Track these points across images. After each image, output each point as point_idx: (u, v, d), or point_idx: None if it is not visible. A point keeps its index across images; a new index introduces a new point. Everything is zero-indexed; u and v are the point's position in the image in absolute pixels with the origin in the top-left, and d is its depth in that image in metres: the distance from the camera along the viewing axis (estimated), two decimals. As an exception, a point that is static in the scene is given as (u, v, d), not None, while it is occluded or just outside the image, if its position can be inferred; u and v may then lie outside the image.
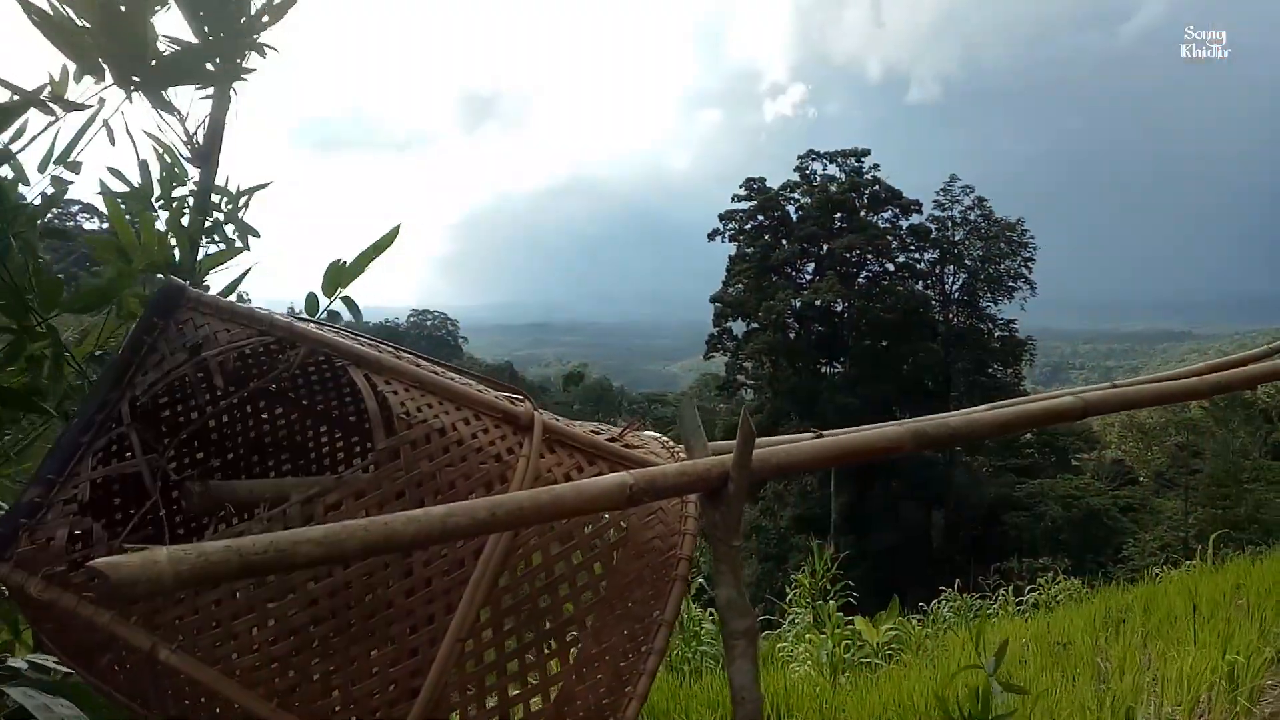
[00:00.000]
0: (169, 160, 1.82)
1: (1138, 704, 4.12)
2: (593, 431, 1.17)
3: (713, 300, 38.20)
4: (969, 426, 1.27)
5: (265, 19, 1.72)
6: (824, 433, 1.39)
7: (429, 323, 70.79)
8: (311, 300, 1.74)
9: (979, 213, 37.67)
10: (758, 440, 1.07)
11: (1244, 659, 4.77)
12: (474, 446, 1.03)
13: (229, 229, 1.94)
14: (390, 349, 1.12)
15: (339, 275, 1.70)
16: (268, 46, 1.77)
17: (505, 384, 1.16)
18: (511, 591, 1.03)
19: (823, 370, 37.24)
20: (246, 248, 1.95)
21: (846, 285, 36.10)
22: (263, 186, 1.98)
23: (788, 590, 9.58)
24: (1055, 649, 6.60)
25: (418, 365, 1.11)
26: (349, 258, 1.71)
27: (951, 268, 37.85)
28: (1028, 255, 37.27)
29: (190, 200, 1.86)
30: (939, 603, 10.63)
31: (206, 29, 1.66)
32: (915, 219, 37.55)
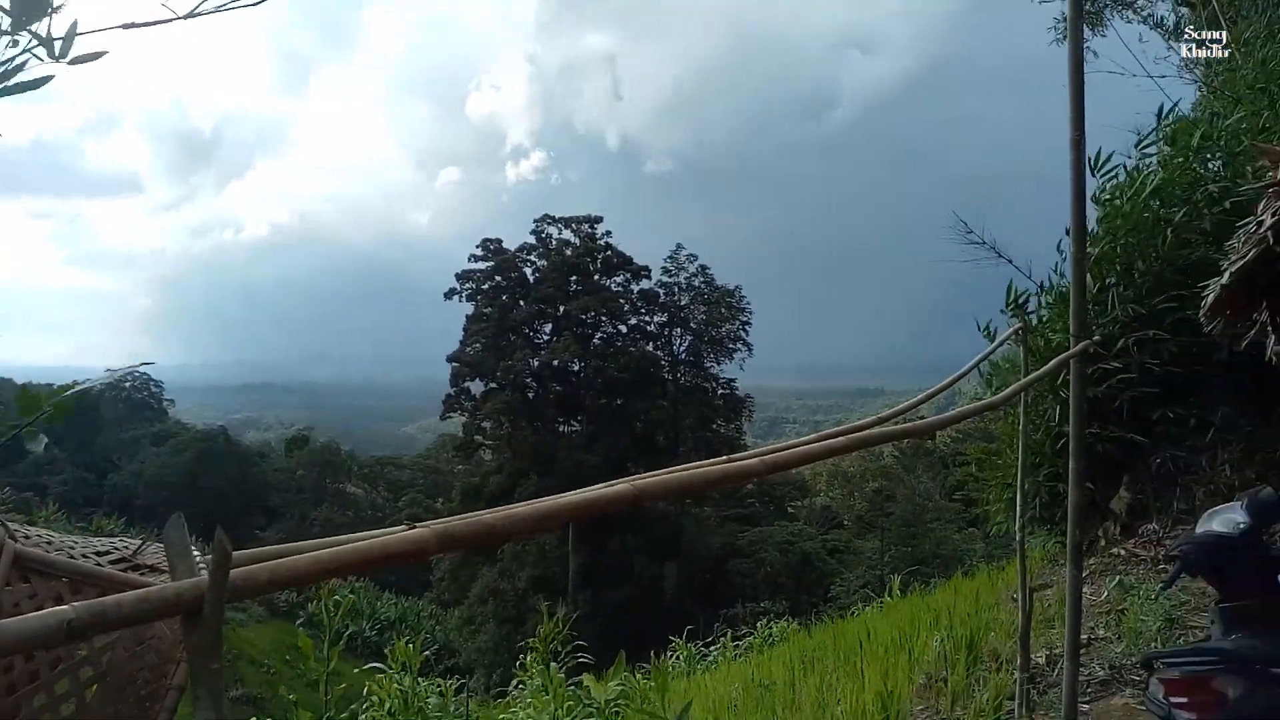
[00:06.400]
0: None
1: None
2: (98, 553, 1.10)
3: (450, 360, 37.63)
4: (505, 521, 1.36)
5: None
6: (419, 523, 1.42)
7: (128, 384, 62.03)
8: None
9: (702, 279, 40.73)
10: (252, 552, 1.07)
11: (896, 689, 5.48)
12: (-86, 585, 0.94)
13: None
14: None
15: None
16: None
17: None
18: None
19: (561, 429, 37.90)
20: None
21: (582, 346, 37.27)
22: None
23: (520, 655, 9.45)
24: (759, 690, 7.16)
25: None
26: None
27: (679, 330, 40.41)
28: (745, 320, 40.85)
29: None
30: (670, 653, 11.08)
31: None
32: (645, 284, 39.92)
